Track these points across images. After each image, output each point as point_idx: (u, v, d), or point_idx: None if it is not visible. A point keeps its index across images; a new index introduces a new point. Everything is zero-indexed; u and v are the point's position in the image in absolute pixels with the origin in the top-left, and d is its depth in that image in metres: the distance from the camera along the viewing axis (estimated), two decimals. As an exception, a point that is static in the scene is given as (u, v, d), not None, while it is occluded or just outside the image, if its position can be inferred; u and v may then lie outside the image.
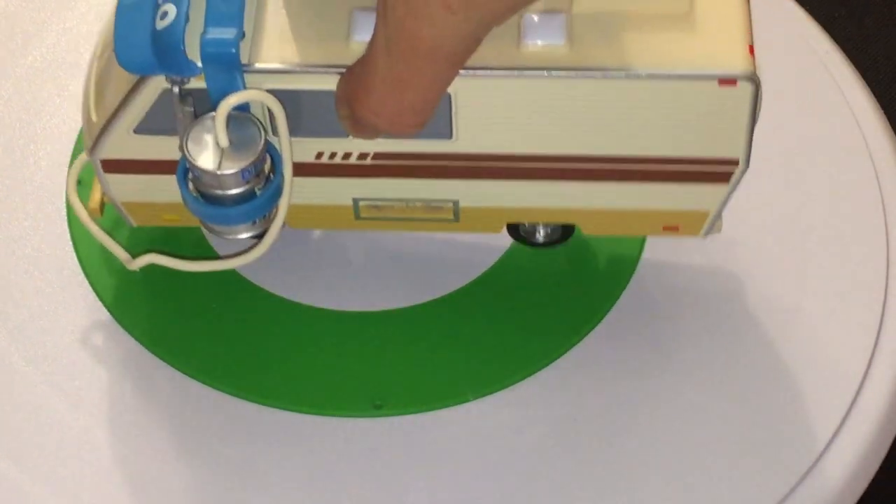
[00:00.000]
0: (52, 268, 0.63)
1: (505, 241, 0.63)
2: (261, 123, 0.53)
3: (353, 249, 0.62)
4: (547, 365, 0.61)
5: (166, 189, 0.56)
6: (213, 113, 0.52)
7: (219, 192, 0.53)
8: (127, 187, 0.58)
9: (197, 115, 0.53)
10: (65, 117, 0.68)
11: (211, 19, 0.51)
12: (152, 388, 0.60)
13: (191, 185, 0.54)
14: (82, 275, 0.63)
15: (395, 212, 0.58)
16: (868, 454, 0.60)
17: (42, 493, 0.57)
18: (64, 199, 0.65)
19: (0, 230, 0.64)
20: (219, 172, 0.52)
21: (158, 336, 0.61)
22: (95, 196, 0.61)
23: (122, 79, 0.54)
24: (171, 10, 0.51)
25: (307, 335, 0.61)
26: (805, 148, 0.68)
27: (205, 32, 0.51)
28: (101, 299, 0.62)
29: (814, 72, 0.71)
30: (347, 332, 0.61)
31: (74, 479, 0.58)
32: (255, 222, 0.55)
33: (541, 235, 0.62)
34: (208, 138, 0.52)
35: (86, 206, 0.60)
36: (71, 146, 0.67)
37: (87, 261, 0.63)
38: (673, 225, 0.59)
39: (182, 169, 0.54)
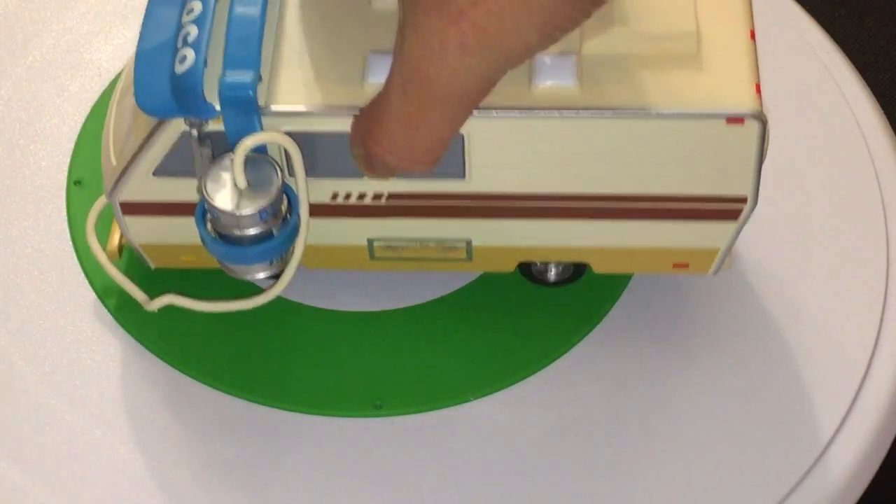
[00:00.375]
0: (52, 268, 0.63)
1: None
2: (277, 164, 0.53)
3: (354, 249, 0.62)
4: (547, 365, 0.61)
5: (184, 231, 0.57)
6: (231, 154, 0.53)
7: (237, 232, 0.53)
8: (145, 229, 0.58)
9: (215, 157, 0.53)
10: (65, 117, 0.68)
11: (229, 63, 0.52)
12: (152, 388, 0.60)
13: (209, 226, 0.54)
14: (82, 275, 0.63)
15: (409, 252, 0.58)
16: (868, 454, 0.60)
17: (42, 493, 0.57)
18: (64, 199, 0.65)
19: (0, 230, 0.64)
20: (237, 213, 0.52)
21: (158, 336, 0.61)
22: (114, 239, 0.61)
23: (142, 122, 0.54)
24: (190, 54, 0.52)
25: (307, 335, 0.61)
26: (805, 148, 0.68)
27: (223, 76, 0.52)
28: (101, 299, 0.62)
29: (814, 72, 0.71)
30: (347, 332, 0.61)
31: (74, 478, 0.58)
32: (272, 262, 0.55)
33: (552, 275, 0.62)
34: (226, 179, 0.53)
35: (104, 247, 0.60)
36: (71, 146, 0.67)
37: (86, 261, 0.63)
38: (683, 262, 0.59)
39: (200, 210, 0.54)
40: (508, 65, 0.47)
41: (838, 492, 0.59)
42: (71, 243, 0.64)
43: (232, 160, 0.52)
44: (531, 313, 0.62)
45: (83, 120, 0.67)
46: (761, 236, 0.65)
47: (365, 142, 0.50)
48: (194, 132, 0.53)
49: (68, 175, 0.66)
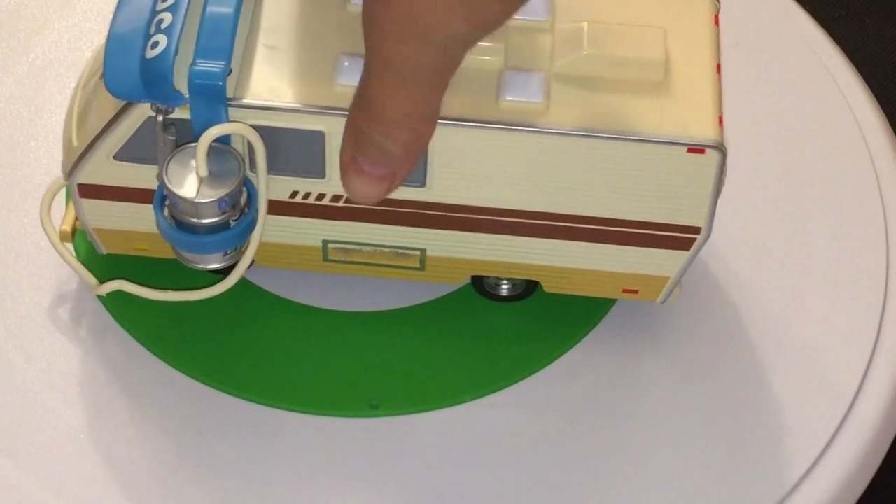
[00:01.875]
0: (52, 266, 0.63)
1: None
2: (240, 156, 0.54)
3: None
4: (545, 366, 0.61)
5: (139, 218, 0.58)
6: (195, 142, 0.53)
7: (194, 220, 0.54)
8: (101, 214, 0.58)
9: (178, 145, 0.54)
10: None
11: (200, 52, 0.53)
12: (151, 387, 0.60)
13: (166, 212, 0.54)
14: (81, 273, 0.63)
15: (362, 256, 0.59)
16: (867, 455, 0.60)
17: (39, 491, 0.57)
18: (64, 197, 0.65)
19: (0, 227, 0.64)
20: (196, 200, 0.53)
21: (157, 335, 0.61)
22: (68, 221, 0.61)
23: (107, 105, 0.55)
24: (163, 40, 0.53)
25: (306, 335, 0.61)
26: (805, 149, 0.68)
27: (193, 64, 0.53)
28: (100, 298, 0.62)
29: (814, 72, 0.71)
30: (346, 332, 0.61)
31: (71, 476, 0.58)
32: (226, 254, 0.56)
33: (504, 290, 0.62)
34: (187, 167, 0.53)
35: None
36: (71, 144, 0.67)
37: (86, 259, 0.63)
38: (632, 288, 0.60)
39: (159, 196, 0.54)
40: (447, 54, 0.47)
41: (838, 492, 0.59)
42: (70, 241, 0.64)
43: (195, 148, 0.53)
44: (529, 316, 0.62)
45: (83, 118, 0.68)
46: (761, 237, 0.65)
47: (354, 122, 0.51)
48: (160, 118, 0.53)
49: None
